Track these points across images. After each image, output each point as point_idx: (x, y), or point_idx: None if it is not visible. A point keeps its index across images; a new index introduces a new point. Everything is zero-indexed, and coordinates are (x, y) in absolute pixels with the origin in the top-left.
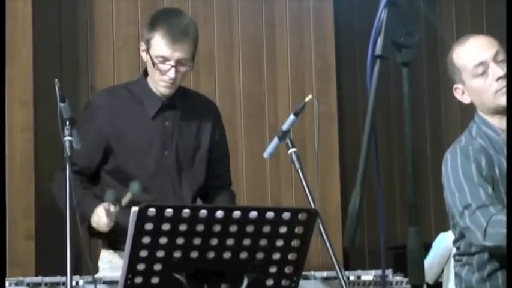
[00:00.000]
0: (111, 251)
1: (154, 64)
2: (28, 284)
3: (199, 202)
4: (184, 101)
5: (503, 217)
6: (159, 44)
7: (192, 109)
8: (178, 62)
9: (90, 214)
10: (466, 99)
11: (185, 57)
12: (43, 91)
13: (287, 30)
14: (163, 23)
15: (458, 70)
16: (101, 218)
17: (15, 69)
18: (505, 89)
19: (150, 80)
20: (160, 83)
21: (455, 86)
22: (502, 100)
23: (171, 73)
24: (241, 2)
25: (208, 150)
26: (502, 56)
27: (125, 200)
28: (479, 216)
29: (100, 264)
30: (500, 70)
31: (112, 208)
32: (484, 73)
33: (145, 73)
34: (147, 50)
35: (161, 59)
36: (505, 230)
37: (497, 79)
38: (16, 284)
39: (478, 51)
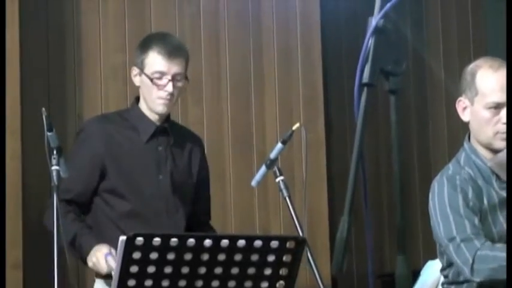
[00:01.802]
0: (106, 279)
1: (151, 80)
2: None
3: None
4: (174, 129)
5: (487, 252)
6: (156, 60)
7: (182, 138)
8: (175, 77)
9: (87, 253)
10: (465, 116)
11: (180, 72)
12: (30, 120)
13: (275, 58)
14: (157, 42)
15: (474, 89)
16: (100, 262)
17: None
18: (504, 135)
19: (142, 105)
20: (157, 101)
21: (460, 98)
22: (498, 143)
23: (169, 87)
24: (228, 31)
25: (196, 184)
26: None
27: None
28: (465, 251)
29: None
30: None
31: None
32: (496, 109)
33: (137, 100)
34: (141, 71)
35: (158, 75)
36: (491, 265)
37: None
38: None
39: (505, 88)
